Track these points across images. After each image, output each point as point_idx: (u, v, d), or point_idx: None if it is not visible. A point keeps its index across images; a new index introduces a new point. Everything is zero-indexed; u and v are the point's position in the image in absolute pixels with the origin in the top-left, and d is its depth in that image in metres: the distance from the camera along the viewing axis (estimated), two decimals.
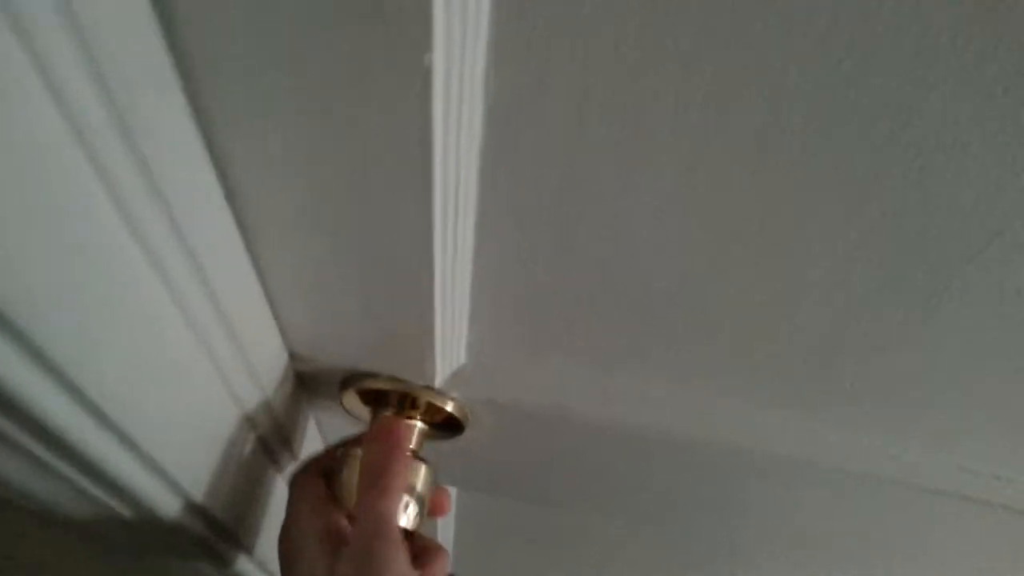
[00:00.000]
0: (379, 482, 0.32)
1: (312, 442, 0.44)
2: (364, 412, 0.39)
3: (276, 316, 0.33)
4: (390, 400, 0.38)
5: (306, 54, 0.19)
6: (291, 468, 0.42)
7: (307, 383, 0.39)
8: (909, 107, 0.19)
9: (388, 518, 0.31)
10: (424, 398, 0.37)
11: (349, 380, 0.37)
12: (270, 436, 0.37)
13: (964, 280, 0.24)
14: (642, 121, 0.21)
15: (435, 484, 0.38)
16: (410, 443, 0.37)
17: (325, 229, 0.26)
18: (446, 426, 0.40)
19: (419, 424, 0.38)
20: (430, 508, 0.38)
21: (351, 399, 0.38)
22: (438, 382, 0.36)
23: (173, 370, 0.26)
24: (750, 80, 0.20)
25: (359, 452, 0.36)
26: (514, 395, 0.36)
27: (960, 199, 0.22)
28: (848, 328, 0.27)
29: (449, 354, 0.35)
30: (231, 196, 0.25)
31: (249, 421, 0.34)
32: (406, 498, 0.36)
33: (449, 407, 0.38)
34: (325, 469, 0.36)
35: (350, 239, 0.26)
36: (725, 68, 0.20)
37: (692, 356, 0.31)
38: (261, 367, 0.33)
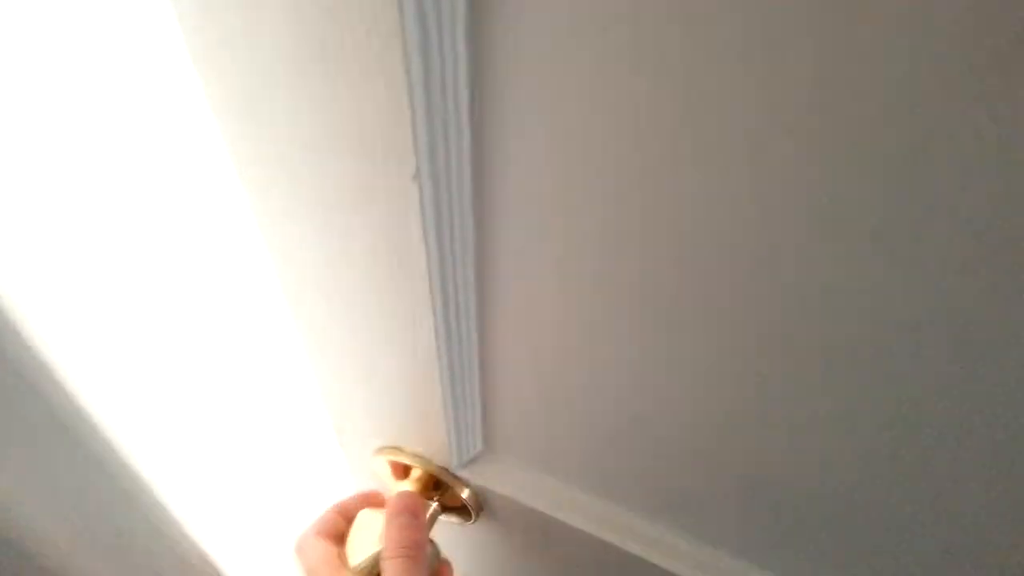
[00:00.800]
0: (412, 553, 0.34)
1: None
2: (389, 478, 0.43)
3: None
4: (412, 475, 0.41)
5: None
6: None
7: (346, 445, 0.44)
8: (829, 317, 0.22)
9: None
10: (441, 479, 0.40)
11: (381, 449, 0.41)
12: None
13: None
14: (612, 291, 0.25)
15: (438, 560, 0.40)
16: (427, 518, 0.40)
17: (349, 341, 0.32)
18: (460, 510, 0.42)
19: (434, 504, 0.41)
20: None
21: (379, 465, 0.43)
22: (454, 463, 0.39)
23: None
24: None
25: (374, 517, 0.38)
26: (521, 495, 0.38)
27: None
28: (854, 498, 0.27)
29: (465, 440, 0.38)
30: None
31: None
32: None
33: (464, 493, 0.40)
34: (332, 531, 0.38)
35: (374, 338, 0.32)
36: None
37: (683, 498, 0.32)
38: None
